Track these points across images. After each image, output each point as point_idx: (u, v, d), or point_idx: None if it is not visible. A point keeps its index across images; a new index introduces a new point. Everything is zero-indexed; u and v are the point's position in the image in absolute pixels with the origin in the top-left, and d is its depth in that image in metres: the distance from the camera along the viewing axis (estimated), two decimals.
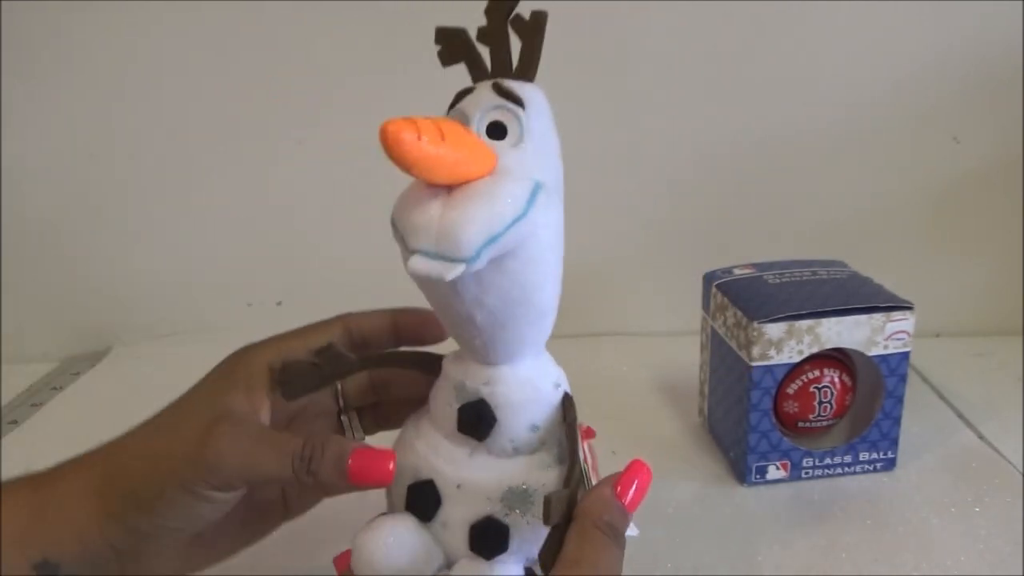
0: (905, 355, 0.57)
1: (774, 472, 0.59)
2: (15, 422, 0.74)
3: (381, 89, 0.80)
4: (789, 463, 0.59)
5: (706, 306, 0.64)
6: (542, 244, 0.35)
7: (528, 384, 0.38)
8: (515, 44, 0.37)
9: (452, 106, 0.38)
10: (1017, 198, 0.81)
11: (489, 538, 0.37)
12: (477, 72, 0.38)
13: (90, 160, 0.83)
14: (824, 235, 0.83)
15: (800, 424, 0.60)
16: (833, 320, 0.55)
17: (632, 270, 0.86)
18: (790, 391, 0.59)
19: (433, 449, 0.39)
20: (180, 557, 0.39)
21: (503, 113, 0.36)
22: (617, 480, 0.35)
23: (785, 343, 0.55)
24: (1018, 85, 0.77)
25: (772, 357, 0.56)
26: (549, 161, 0.37)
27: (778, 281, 0.60)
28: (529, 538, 0.37)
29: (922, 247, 0.83)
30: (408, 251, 0.34)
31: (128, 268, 0.88)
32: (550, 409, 0.39)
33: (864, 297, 0.57)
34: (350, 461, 0.36)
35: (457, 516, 0.38)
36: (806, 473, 0.60)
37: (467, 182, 0.34)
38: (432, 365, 0.41)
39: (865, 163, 0.81)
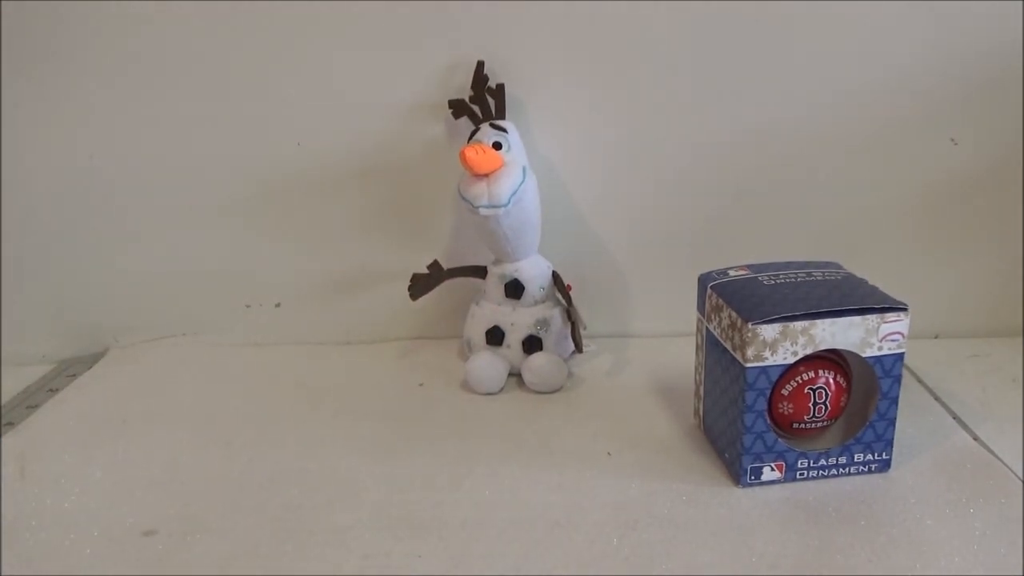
0: (900, 356, 0.57)
1: (769, 473, 0.60)
2: (11, 424, 0.74)
3: (373, 93, 0.81)
4: (784, 464, 0.59)
5: (701, 308, 0.64)
6: (530, 192, 0.76)
7: (536, 266, 0.79)
8: None
9: (471, 137, 0.77)
10: (1016, 199, 0.81)
11: (533, 344, 0.78)
12: (475, 119, 0.79)
13: (88, 161, 0.84)
14: (819, 237, 0.83)
15: (795, 425, 0.60)
16: (827, 321, 0.56)
17: (627, 272, 0.87)
18: (785, 392, 0.59)
19: (493, 311, 0.80)
20: None
21: (499, 136, 0.76)
22: None
23: (780, 344, 0.56)
24: (1017, 86, 0.78)
25: (767, 358, 0.56)
26: (522, 155, 0.78)
27: (773, 282, 0.60)
28: (550, 341, 0.79)
29: (919, 249, 0.84)
30: (475, 208, 0.72)
31: (125, 270, 0.88)
32: (547, 279, 0.80)
33: (858, 298, 0.57)
34: None
35: (514, 339, 0.79)
36: (801, 474, 0.60)
37: (493, 172, 0.73)
38: (482, 272, 0.82)
39: (861, 164, 0.81)
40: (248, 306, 0.90)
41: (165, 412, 0.75)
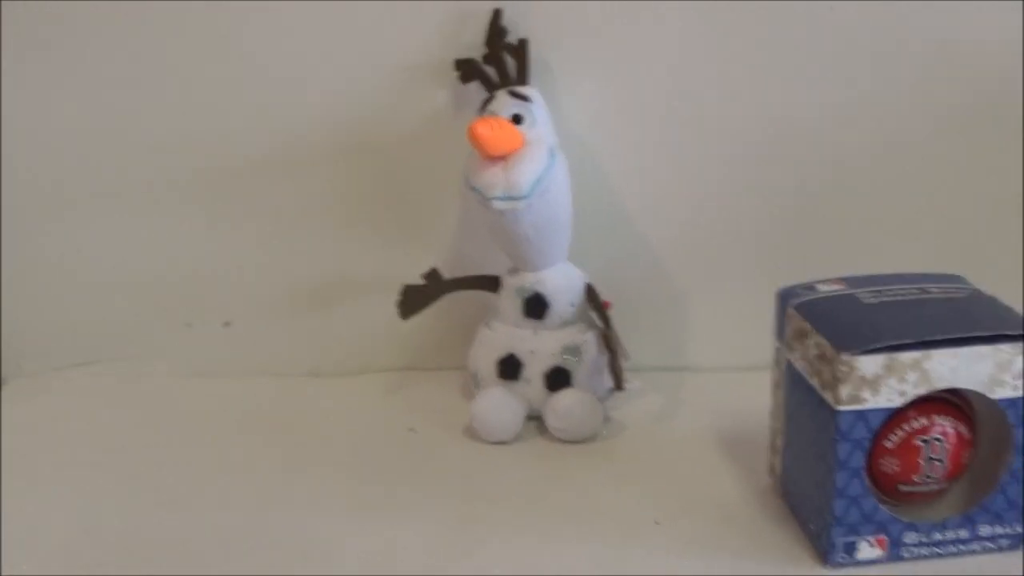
0: None
1: (867, 550, 0.59)
2: None
3: (358, 50, 0.82)
4: (887, 539, 0.59)
5: (780, 333, 0.64)
6: (559, 180, 0.76)
7: (564, 277, 0.80)
8: None
9: (482, 109, 0.77)
10: None
11: (559, 379, 0.78)
12: (488, 85, 0.79)
13: None
14: (936, 242, 0.83)
15: (902, 488, 0.60)
16: (947, 352, 0.55)
17: (683, 286, 0.87)
18: (889, 444, 0.59)
19: (507, 336, 0.81)
20: None
21: (520, 107, 0.76)
22: None
23: (883, 382, 0.56)
24: None
25: (866, 400, 0.56)
26: (550, 131, 0.78)
27: (876, 300, 0.60)
28: (582, 374, 0.79)
29: None
30: (487, 200, 0.73)
31: (25, 276, 0.89)
32: (579, 293, 0.80)
33: (988, 323, 0.57)
34: None
35: (535, 371, 0.79)
36: (909, 552, 0.60)
37: (512, 154, 0.73)
38: (494, 284, 0.82)
39: (992, 148, 0.81)
40: (189, 325, 0.91)
41: (76, 463, 0.76)
